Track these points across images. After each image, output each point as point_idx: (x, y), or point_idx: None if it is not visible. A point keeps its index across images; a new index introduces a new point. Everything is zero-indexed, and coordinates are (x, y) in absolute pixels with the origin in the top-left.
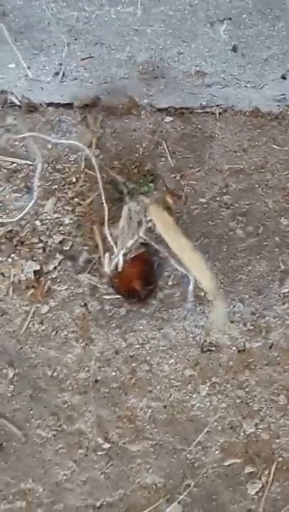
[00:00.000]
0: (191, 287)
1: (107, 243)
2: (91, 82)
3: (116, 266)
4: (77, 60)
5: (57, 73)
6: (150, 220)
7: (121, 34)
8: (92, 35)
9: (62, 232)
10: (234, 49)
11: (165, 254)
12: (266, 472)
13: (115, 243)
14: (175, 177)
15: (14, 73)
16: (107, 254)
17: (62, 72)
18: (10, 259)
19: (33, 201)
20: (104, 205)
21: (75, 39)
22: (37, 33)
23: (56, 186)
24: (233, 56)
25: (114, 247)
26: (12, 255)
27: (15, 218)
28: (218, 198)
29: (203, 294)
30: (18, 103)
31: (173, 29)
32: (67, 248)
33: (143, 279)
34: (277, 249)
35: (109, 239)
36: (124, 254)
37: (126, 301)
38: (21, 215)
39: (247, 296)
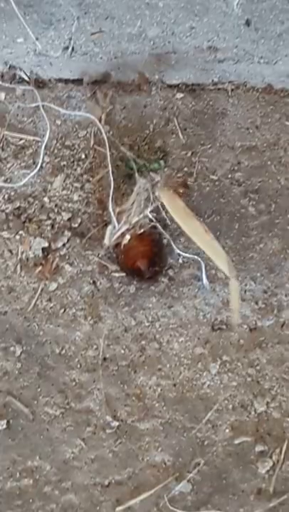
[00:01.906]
0: (203, 263)
1: (112, 217)
2: (101, 58)
3: (119, 240)
4: (87, 34)
5: (66, 48)
6: (159, 201)
7: (132, 8)
8: (102, 8)
9: (71, 209)
10: (247, 23)
11: (170, 238)
12: (277, 451)
13: (119, 218)
14: (186, 154)
15: (23, 48)
16: (109, 227)
17: (71, 47)
18: (18, 236)
19: (38, 168)
20: (111, 179)
21: (85, 13)
22: (46, 6)
23: (65, 163)
24: (246, 31)
25: (115, 222)
26: (20, 232)
27: (25, 197)
28: (229, 175)
29: (214, 272)
30: (26, 79)
31: (185, 3)
32: (76, 225)
33: (149, 259)
34: None
35: (112, 213)
36: (129, 230)
37: (132, 279)
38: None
39: (259, 274)
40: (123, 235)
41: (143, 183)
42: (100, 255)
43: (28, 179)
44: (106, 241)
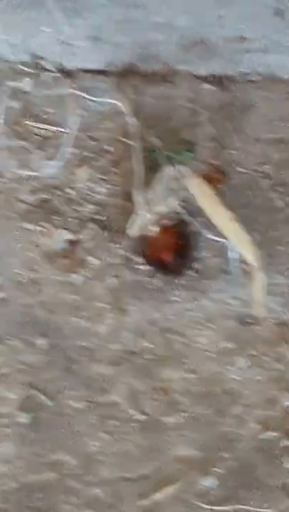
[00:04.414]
0: (230, 255)
1: (138, 208)
2: (128, 48)
3: (144, 232)
4: (113, 23)
5: (92, 37)
6: (187, 190)
7: None
8: None
9: (95, 200)
10: (277, 13)
11: (199, 226)
12: None
13: (145, 207)
14: (213, 146)
15: (48, 37)
16: (134, 216)
17: (97, 37)
18: (42, 228)
19: (63, 159)
20: (138, 169)
21: (113, 1)
22: None
23: (90, 154)
24: (277, 21)
25: (142, 212)
26: (44, 224)
27: (49, 189)
28: (257, 168)
29: (241, 265)
30: (51, 68)
31: None
32: (101, 217)
33: (175, 251)
34: None
35: (138, 202)
36: (155, 221)
37: (157, 271)
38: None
39: (286, 268)
40: (148, 226)
41: (169, 172)
42: (125, 248)
43: (53, 170)
44: (130, 231)
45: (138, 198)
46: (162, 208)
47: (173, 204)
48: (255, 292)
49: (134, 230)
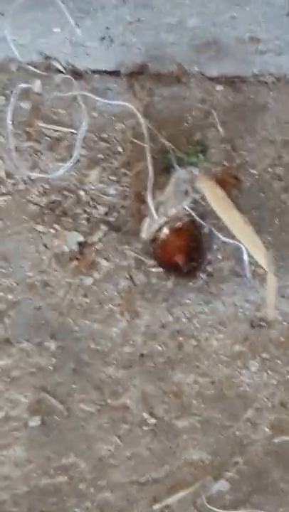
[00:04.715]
0: (245, 258)
1: (150, 211)
2: (139, 48)
3: (156, 234)
4: (125, 24)
5: (103, 38)
6: (198, 192)
7: None
8: None
9: (107, 202)
10: None
11: (212, 227)
12: None
13: (156, 210)
14: (225, 148)
15: (58, 38)
16: (146, 219)
17: (108, 37)
18: (53, 230)
19: (74, 160)
20: (150, 170)
21: (124, 1)
22: None
23: (101, 155)
24: None
25: (154, 214)
26: (55, 226)
27: (60, 191)
28: (270, 170)
29: (253, 268)
30: (62, 69)
31: None
32: (113, 219)
33: (187, 254)
34: None
35: (151, 205)
36: (167, 222)
37: (169, 274)
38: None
39: None
40: (161, 228)
41: (181, 174)
42: (136, 250)
43: (64, 172)
44: (143, 234)
45: (150, 200)
46: (174, 211)
47: (185, 206)
48: (268, 295)
49: (146, 233)
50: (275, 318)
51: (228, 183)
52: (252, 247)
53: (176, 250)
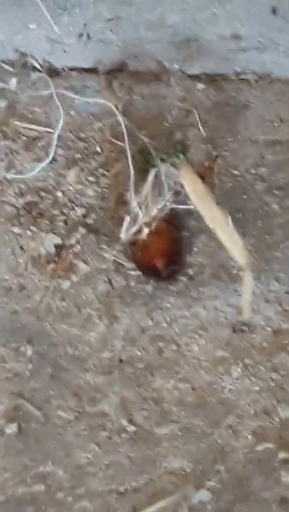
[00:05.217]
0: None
1: (130, 211)
2: (117, 45)
3: (136, 236)
4: (103, 20)
5: (81, 35)
6: (179, 193)
7: None
8: None
9: (85, 204)
10: (273, 11)
11: (194, 230)
12: None
13: (137, 211)
14: (207, 148)
15: (35, 34)
16: (126, 219)
17: (86, 34)
18: (29, 232)
19: (50, 160)
20: (131, 170)
21: None
22: None
23: (79, 156)
24: (272, 19)
25: (137, 214)
26: (31, 228)
27: (37, 191)
28: (252, 171)
29: (235, 271)
30: (38, 67)
31: None
32: (91, 221)
33: (167, 257)
34: None
35: (133, 205)
36: (147, 224)
37: (149, 278)
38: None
39: (282, 275)
40: (140, 230)
41: (160, 172)
42: (115, 253)
43: (40, 172)
44: (122, 235)
45: (132, 200)
46: (155, 211)
47: (165, 207)
48: (244, 296)
49: (126, 234)
50: (250, 318)
51: (207, 183)
52: (231, 246)
53: (156, 253)
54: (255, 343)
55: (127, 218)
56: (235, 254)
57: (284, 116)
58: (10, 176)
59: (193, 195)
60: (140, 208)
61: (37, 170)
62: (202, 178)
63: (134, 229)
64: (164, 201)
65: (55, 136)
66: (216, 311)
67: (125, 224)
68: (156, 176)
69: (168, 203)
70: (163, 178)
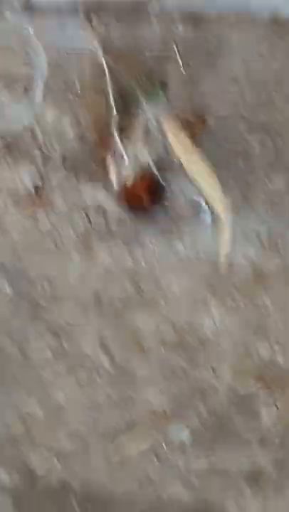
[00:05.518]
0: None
1: (116, 156)
2: None
3: (123, 180)
4: None
5: None
6: (164, 134)
7: None
8: None
9: (64, 142)
10: None
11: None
12: (283, 398)
13: (125, 155)
14: (187, 88)
15: None
16: (114, 170)
17: None
18: (8, 172)
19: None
20: (114, 108)
21: None
22: None
23: (59, 95)
24: None
25: (126, 161)
26: (11, 167)
27: (16, 130)
28: (234, 111)
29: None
30: (15, 3)
31: None
32: (70, 161)
33: (149, 190)
34: None
35: (121, 150)
36: (133, 167)
37: (131, 213)
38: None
39: (264, 213)
40: (128, 173)
41: (147, 115)
42: (94, 191)
43: (20, 112)
44: (116, 186)
45: (119, 146)
46: (145, 156)
47: (150, 148)
48: (221, 243)
49: (117, 182)
50: (227, 267)
51: (193, 125)
52: (210, 191)
53: (140, 190)
54: (236, 282)
55: (113, 167)
56: (214, 203)
57: (265, 55)
58: None
59: (175, 145)
60: (129, 152)
61: (18, 111)
62: (187, 122)
63: (126, 174)
64: (151, 143)
65: (36, 76)
66: (197, 249)
67: (114, 173)
68: (143, 118)
69: (154, 148)
70: (149, 119)
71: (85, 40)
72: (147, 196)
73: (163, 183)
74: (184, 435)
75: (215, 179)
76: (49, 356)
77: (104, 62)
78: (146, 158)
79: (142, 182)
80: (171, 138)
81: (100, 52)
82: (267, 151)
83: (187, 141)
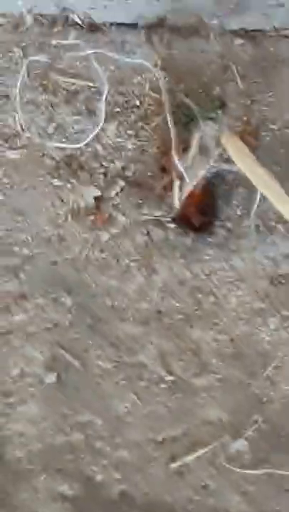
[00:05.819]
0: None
1: (176, 173)
2: (157, 0)
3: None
4: None
5: None
6: (222, 148)
7: None
8: None
9: (124, 157)
10: None
11: (233, 185)
12: None
13: (185, 171)
14: (245, 103)
15: None
16: (176, 184)
17: None
18: (69, 185)
19: (100, 125)
20: (171, 127)
21: None
22: None
23: (119, 109)
24: None
25: (185, 176)
26: (71, 180)
27: (77, 144)
28: None
29: (274, 224)
30: (79, 22)
31: None
32: (130, 174)
33: (198, 207)
34: None
35: (180, 167)
36: (193, 183)
37: (189, 228)
38: (87, 140)
39: None
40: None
41: (205, 131)
42: (154, 205)
43: (81, 126)
44: (176, 202)
45: (179, 163)
46: (203, 172)
47: (211, 169)
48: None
49: (178, 199)
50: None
51: (248, 143)
52: (276, 200)
53: (188, 204)
54: None
55: (176, 183)
56: (281, 211)
57: None
58: (51, 129)
59: (237, 159)
60: (188, 169)
61: (79, 124)
62: (244, 139)
63: (187, 191)
64: (210, 159)
65: (97, 91)
66: (254, 262)
67: (175, 190)
68: (201, 134)
69: (213, 165)
70: (207, 135)
71: (145, 56)
72: (193, 210)
73: (214, 198)
74: (241, 444)
75: (279, 187)
76: (109, 367)
77: (160, 79)
78: (204, 174)
79: (200, 198)
80: (232, 151)
81: (159, 68)
82: None
83: (248, 154)
